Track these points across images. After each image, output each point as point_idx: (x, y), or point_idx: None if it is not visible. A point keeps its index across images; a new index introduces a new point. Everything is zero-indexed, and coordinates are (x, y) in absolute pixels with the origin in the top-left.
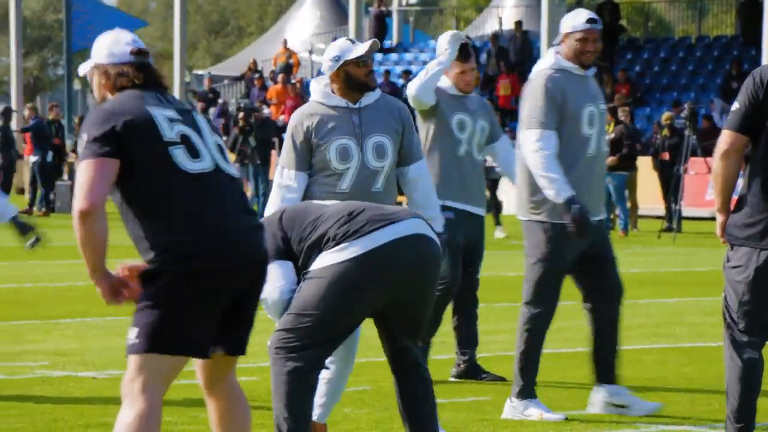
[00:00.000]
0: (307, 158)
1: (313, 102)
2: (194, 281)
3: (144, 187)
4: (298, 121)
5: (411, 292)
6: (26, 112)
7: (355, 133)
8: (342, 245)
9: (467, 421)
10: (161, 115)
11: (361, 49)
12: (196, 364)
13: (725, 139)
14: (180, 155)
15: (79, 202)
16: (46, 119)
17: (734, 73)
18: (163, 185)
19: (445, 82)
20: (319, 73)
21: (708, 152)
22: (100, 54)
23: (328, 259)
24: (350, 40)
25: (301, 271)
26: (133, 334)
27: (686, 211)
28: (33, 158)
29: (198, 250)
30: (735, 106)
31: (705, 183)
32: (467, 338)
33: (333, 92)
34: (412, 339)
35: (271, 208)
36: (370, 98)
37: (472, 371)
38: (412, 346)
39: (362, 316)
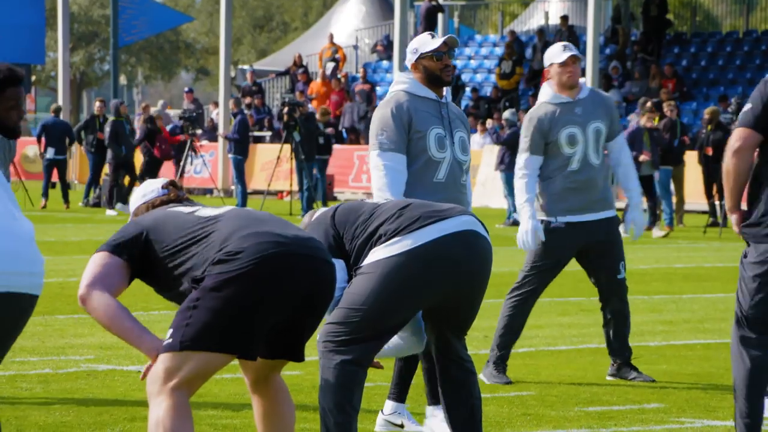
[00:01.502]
0: (407, 142)
1: (402, 92)
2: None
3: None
4: (396, 106)
5: (460, 288)
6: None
7: (444, 125)
8: (393, 240)
9: (510, 416)
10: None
11: (436, 42)
12: (241, 361)
13: (738, 135)
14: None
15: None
16: (90, 114)
17: None
18: None
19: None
20: (363, 67)
21: None
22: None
23: (379, 254)
24: (430, 34)
25: (353, 268)
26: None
27: None
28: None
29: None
30: (748, 105)
31: None
32: None
33: (417, 81)
34: (457, 335)
35: (386, 190)
36: (447, 95)
37: None
38: (456, 341)
39: (413, 312)
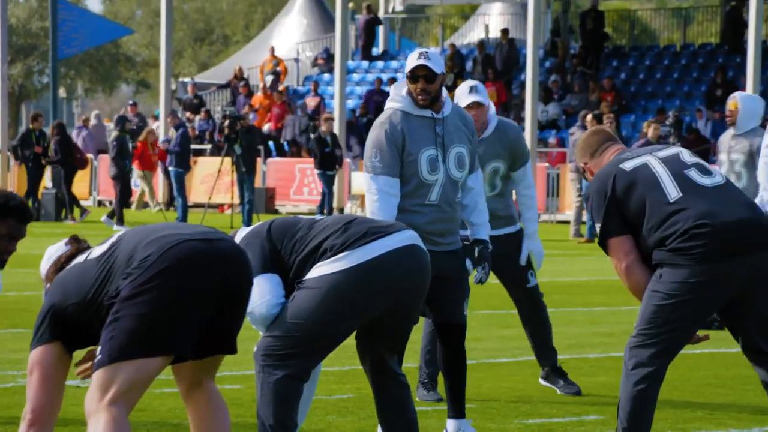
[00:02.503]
0: (400, 165)
1: (396, 111)
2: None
3: None
4: (389, 128)
5: (402, 304)
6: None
7: (437, 144)
8: (337, 256)
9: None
10: None
11: (411, 63)
12: (174, 369)
13: (617, 251)
14: None
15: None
16: (26, 128)
17: (719, 81)
18: None
19: None
20: (304, 80)
21: None
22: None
23: (322, 270)
24: (420, 52)
25: (293, 282)
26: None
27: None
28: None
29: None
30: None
31: None
32: None
33: (411, 99)
34: (392, 351)
35: (382, 214)
36: (447, 108)
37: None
38: (390, 357)
39: (353, 327)
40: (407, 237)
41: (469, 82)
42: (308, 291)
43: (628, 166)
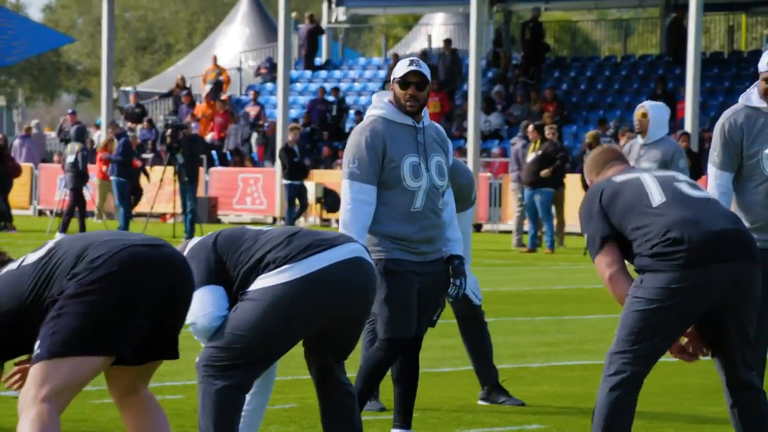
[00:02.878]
0: (379, 173)
1: (378, 118)
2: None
3: None
4: (370, 135)
5: (346, 316)
6: None
7: (419, 152)
8: (281, 268)
9: None
10: None
11: (404, 69)
12: (109, 376)
13: (603, 261)
14: None
15: None
16: None
17: (659, 92)
18: None
19: None
20: (247, 89)
21: None
22: None
23: (265, 282)
24: (411, 60)
25: (237, 293)
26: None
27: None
28: None
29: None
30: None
31: None
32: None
33: (395, 106)
34: (338, 360)
35: (353, 224)
36: (426, 119)
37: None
38: (337, 366)
39: (296, 339)
40: (352, 250)
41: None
42: (251, 303)
43: (619, 179)
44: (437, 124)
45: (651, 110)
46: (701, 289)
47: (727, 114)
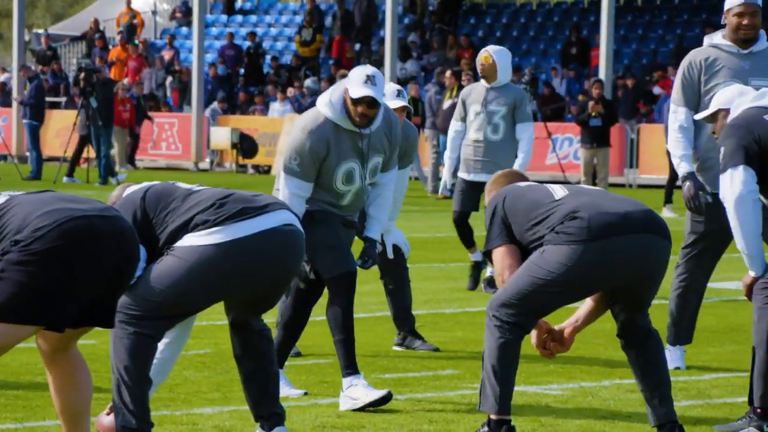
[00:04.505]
0: (317, 172)
1: (325, 120)
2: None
3: None
4: (316, 139)
5: (267, 284)
6: None
7: (360, 156)
8: (210, 230)
9: (307, 384)
10: None
11: (360, 91)
12: (39, 334)
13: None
14: None
15: None
16: None
17: (573, 39)
18: None
19: None
20: (162, 33)
21: (548, 117)
22: None
23: (193, 240)
24: (368, 76)
25: (164, 249)
26: None
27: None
28: None
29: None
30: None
31: (545, 147)
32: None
33: (345, 111)
34: (254, 316)
35: None
36: (376, 122)
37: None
38: (252, 319)
39: (214, 301)
40: (282, 218)
41: (395, 86)
42: (175, 259)
43: (523, 184)
44: (390, 113)
45: (496, 55)
46: (600, 263)
47: (690, 53)
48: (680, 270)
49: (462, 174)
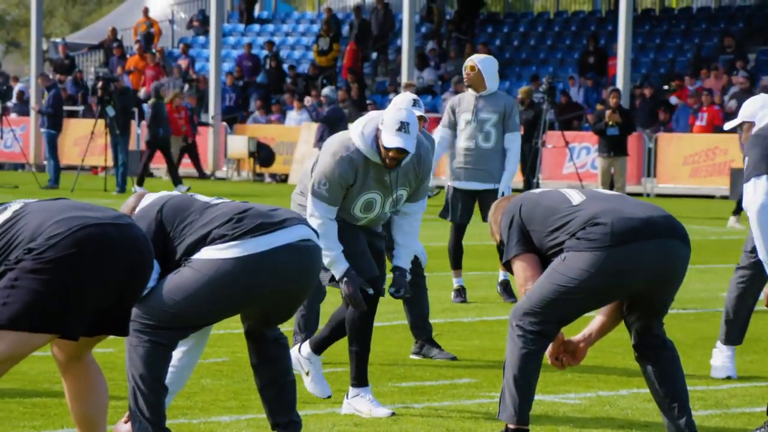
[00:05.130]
0: (343, 197)
1: (357, 151)
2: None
3: None
4: (346, 168)
5: (283, 299)
6: None
7: (384, 189)
8: (228, 244)
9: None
10: None
11: (392, 141)
12: (54, 342)
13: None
14: None
15: None
16: None
17: (591, 48)
18: None
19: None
20: (179, 42)
21: (565, 126)
22: None
23: (211, 254)
24: (402, 123)
25: (181, 261)
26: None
27: (544, 184)
28: None
29: None
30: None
31: (563, 156)
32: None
33: (375, 146)
34: (269, 328)
35: (328, 236)
36: (406, 158)
37: None
38: (268, 329)
39: (229, 315)
40: (300, 234)
41: (411, 95)
42: (192, 271)
43: (537, 191)
44: (423, 142)
45: (481, 64)
46: (623, 268)
47: None
48: (741, 272)
49: (454, 182)
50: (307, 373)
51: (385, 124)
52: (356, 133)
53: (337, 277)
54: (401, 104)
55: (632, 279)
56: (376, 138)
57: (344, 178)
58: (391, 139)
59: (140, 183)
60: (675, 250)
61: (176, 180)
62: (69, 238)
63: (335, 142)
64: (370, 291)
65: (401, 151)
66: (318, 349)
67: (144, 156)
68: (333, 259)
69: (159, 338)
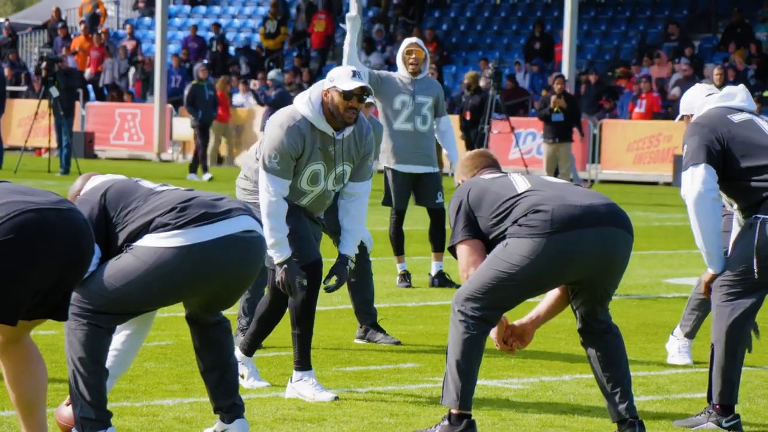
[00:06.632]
0: (293, 169)
1: (303, 119)
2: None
3: None
4: (293, 137)
5: (224, 289)
6: None
7: (328, 160)
8: (171, 233)
9: (268, 376)
10: None
11: (350, 84)
12: None
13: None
14: None
15: None
16: None
17: (537, 34)
18: None
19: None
20: (125, 23)
21: (511, 112)
22: None
23: (152, 242)
24: (354, 71)
25: (123, 246)
26: None
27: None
28: None
29: None
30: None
31: (509, 142)
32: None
33: (322, 112)
34: (210, 314)
35: (277, 215)
36: (347, 130)
37: None
38: (210, 316)
39: (169, 303)
40: (243, 224)
41: (350, 67)
42: (133, 258)
43: (487, 177)
44: (364, 123)
45: (423, 46)
46: (563, 255)
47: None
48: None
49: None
50: (242, 376)
51: (337, 77)
52: (302, 101)
53: (275, 261)
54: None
55: (572, 266)
56: (323, 103)
57: (293, 147)
58: (349, 83)
59: (205, 170)
60: (616, 238)
61: (204, 167)
62: (7, 223)
63: (281, 114)
64: (305, 283)
65: (364, 90)
66: (250, 350)
67: (197, 143)
68: (277, 242)
69: (97, 322)
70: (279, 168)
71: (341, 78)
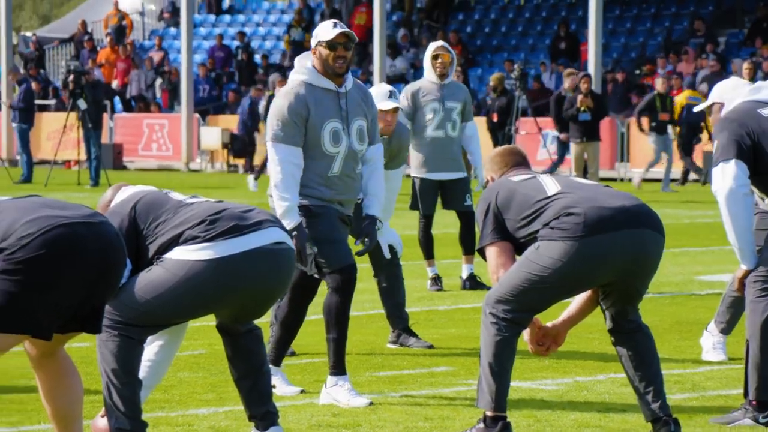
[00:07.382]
0: (303, 135)
1: (301, 83)
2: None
3: None
4: (294, 99)
5: (253, 302)
6: None
7: (342, 117)
8: (200, 245)
9: (303, 383)
10: None
11: (332, 33)
12: (27, 340)
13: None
14: None
15: None
16: None
17: (562, 34)
18: None
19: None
20: (151, 34)
21: (538, 112)
22: None
23: (183, 254)
24: (333, 22)
25: (154, 259)
26: None
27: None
28: None
29: None
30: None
31: (536, 142)
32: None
33: (317, 71)
34: (242, 325)
35: (282, 189)
36: (349, 83)
37: None
38: (241, 326)
39: (199, 315)
40: (273, 237)
41: (387, 87)
42: (163, 271)
43: (516, 178)
44: (362, 85)
45: (450, 49)
46: (595, 258)
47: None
48: None
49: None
50: (274, 386)
51: (319, 32)
52: (298, 69)
53: (288, 228)
54: (377, 96)
55: (603, 269)
56: (316, 63)
57: (295, 110)
58: (331, 32)
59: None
60: (648, 239)
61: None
62: (39, 238)
63: (282, 89)
64: (315, 249)
65: (346, 36)
66: (277, 360)
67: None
68: (286, 210)
69: (129, 333)
70: (282, 134)
71: (323, 31)
